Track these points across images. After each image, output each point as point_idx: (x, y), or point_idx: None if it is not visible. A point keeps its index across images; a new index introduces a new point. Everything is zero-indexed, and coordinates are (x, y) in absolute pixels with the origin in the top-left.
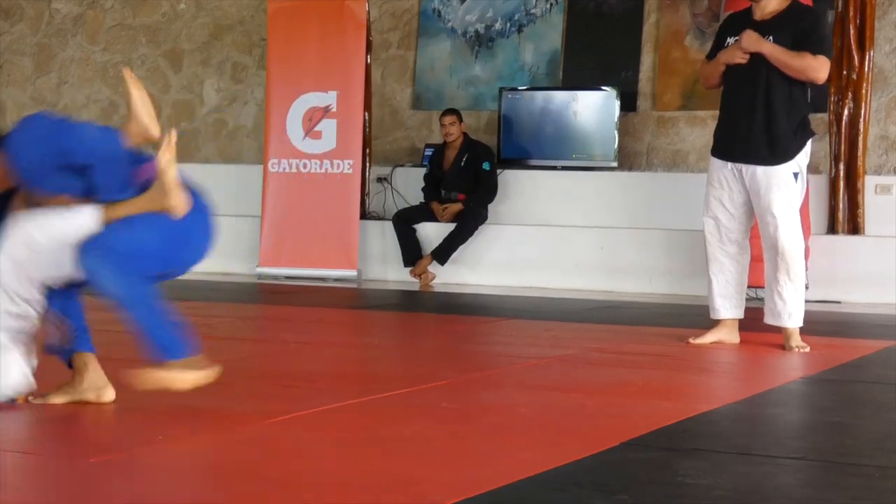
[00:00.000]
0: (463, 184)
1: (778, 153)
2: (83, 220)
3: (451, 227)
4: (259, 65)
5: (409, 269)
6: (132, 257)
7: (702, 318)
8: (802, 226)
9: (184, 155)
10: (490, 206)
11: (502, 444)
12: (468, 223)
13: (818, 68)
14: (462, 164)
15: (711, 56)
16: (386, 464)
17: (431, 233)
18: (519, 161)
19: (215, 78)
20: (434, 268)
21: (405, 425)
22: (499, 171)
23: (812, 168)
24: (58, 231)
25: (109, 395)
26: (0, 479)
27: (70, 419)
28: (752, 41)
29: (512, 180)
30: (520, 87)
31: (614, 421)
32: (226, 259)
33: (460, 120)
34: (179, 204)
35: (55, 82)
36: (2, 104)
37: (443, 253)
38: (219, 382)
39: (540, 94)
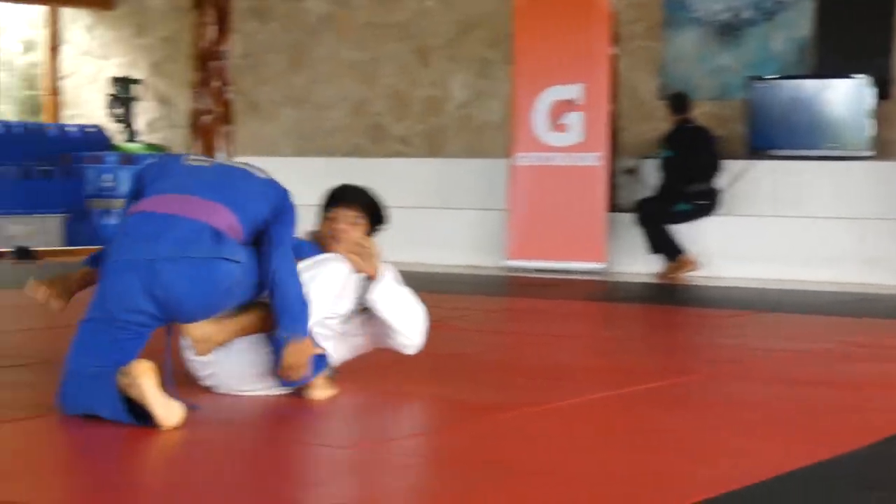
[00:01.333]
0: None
1: None
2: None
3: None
4: (505, 59)
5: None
6: None
7: None
8: None
9: (431, 150)
10: (740, 197)
11: (759, 438)
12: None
13: None
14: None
15: None
16: (640, 456)
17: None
18: (768, 151)
19: (462, 73)
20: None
21: (659, 418)
22: (749, 160)
23: None
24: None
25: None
26: (263, 469)
27: (323, 411)
28: None
29: (763, 170)
30: (768, 76)
31: (877, 416)
32: (473, 252)
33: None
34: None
35: (307, 80)
36: (256, 102)
37: (669, 251)
38: (470, 374)
39: (789, 83)
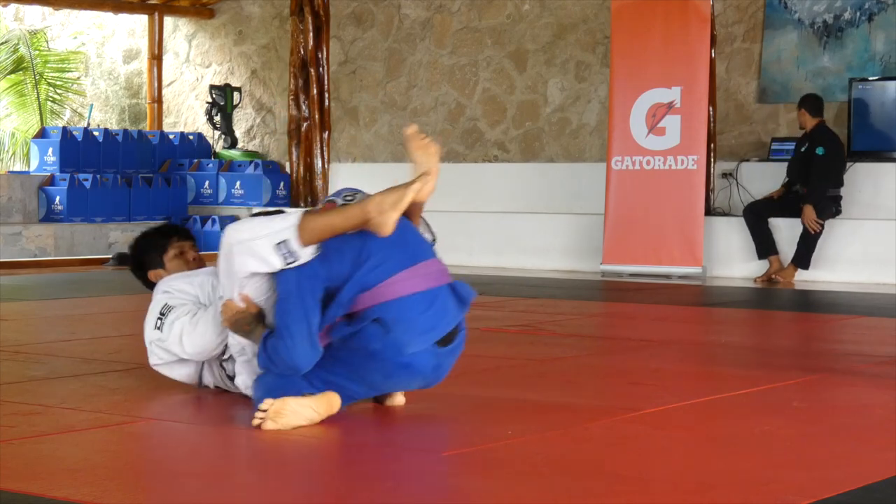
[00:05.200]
0: (799, 174)
1: None
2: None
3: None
4: (602, 62)
5: (762, 264)
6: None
7: None
8: None
9: (528, 155)
10: (843, 200)
11: (856, 444)
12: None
13: None
14: (804, 149)
15: None
16: (736, 463)
17: (782, 227)
18: (871, 153)
19: (559, 77)
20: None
21: (755, 424)
22: (850, 163)
23: None
24: None
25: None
26: (359, 471)
27: (420, 416)
28: None
29: (864, 173)
30: (871, 78)
31: None
32: (570, 257)
33: (807, 110)
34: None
35: (405, 86)
36: (355, 108)
37: (801, 258)
38: (565, 379)
39: (892, 84)
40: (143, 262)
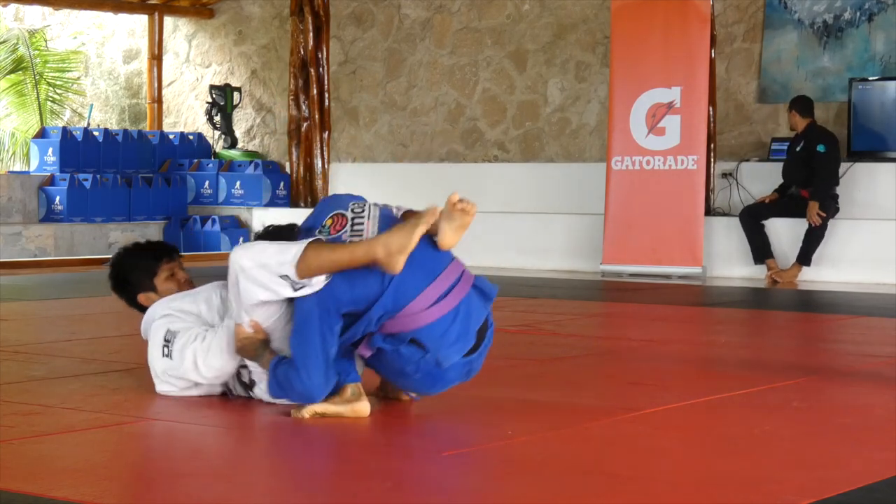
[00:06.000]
0: (798, 173)
1: None
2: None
3: (800, 223)
4: (602, 63)
5: (759, 265)
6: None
7: None
8: None
9: (528, 155)
10: (842, 200)
11: (856, 444)
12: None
13: None
14: (798, 148)
15: None
16: (736, 463)
17: (781, 228)
18: (871, 153)
19: (559, 77)
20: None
21: (755, 424)
22: (850, 163)
23: None
24: None
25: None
26: (359, 471)
27: (421, 416)
28: None
29: (864, 173)
30: (870, 78)
31: None
32: (570, 257)
33: (799, 112)
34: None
35: (405, 86)
36: (355, 108)
37: (805, 255)
38: (565, 379)
39: (892, 85)
40: (128, 281)
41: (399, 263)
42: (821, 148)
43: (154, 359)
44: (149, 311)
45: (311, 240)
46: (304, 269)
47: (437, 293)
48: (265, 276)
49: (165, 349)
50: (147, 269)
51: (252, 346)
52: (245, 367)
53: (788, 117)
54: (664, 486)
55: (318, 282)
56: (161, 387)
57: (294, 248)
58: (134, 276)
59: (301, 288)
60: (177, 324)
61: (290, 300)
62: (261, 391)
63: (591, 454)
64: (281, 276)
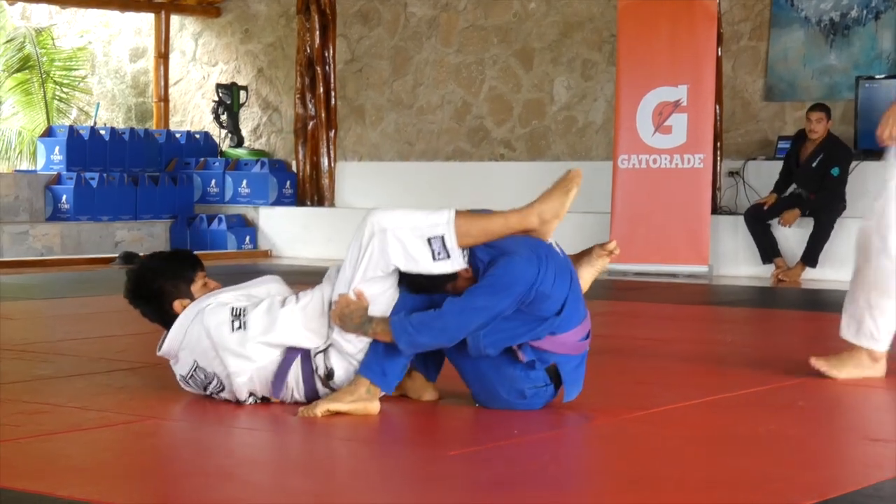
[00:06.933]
0: (812, 183)
1: None
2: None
3: (806, 222)
4: (609, 61)
5: (767, 265)
6: None
7: None
8: None
9: (534, 153)
10: (849, 199)
11: (862, 444)
12: (824, 217)
13: None
14: (815, 164)
15: None
16: (741, 462)
17: (787, 228)
18: (878, 152)
19: (565, 75)
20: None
21: (760, 423)
22: (855, 162)
23: None
24: None
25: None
26: (365, 470)
27: (426, 415)
28: None
29: (870, 172)
30: (877, 76)
31: None
32: None
33: (828, 117)
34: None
35: (411, 84)
36: (361, 107)
37: (810, 255)
38: None
39: None
40: (163, 289)
41: (552, 230)
42: (835, 172)
43: (222, 340)
44: (184, 313)
45: (453, 208)
46: (460, 231)
47: (584, 331)
48: (411, 239)
49: (236, 322)
50: (185, 278)
51: (358, 314)
52: (324, 351)
53: (815, 120)
54: (670, 484)
55: (458, 256)
56: (234, 364)
57: (445, 212)
58: (169, 284)
59: (441, 259)
60: (239, 303)
61: (401, 281)
62: (339, 379)
63: (596, 453)
64: (430, 239)
